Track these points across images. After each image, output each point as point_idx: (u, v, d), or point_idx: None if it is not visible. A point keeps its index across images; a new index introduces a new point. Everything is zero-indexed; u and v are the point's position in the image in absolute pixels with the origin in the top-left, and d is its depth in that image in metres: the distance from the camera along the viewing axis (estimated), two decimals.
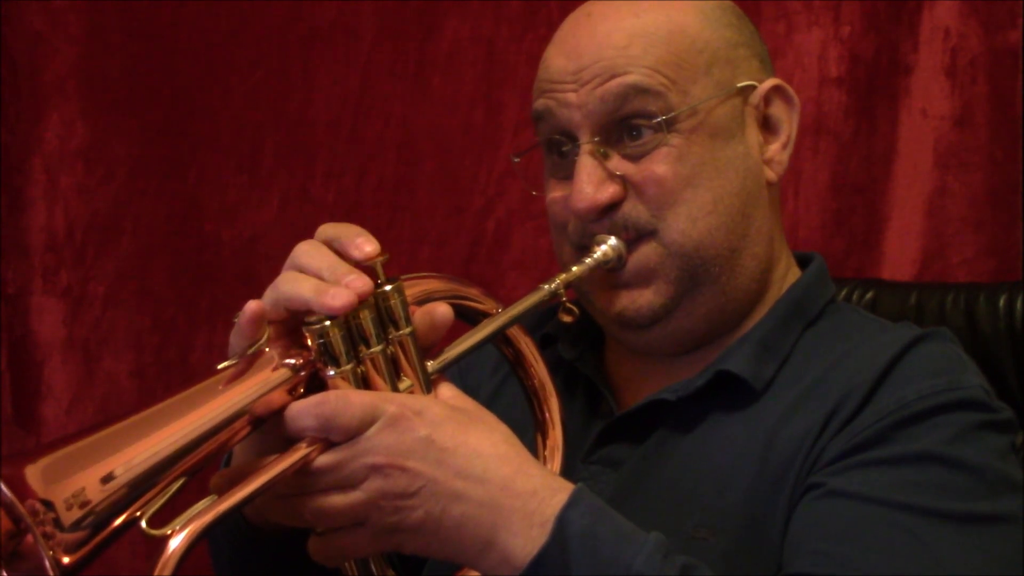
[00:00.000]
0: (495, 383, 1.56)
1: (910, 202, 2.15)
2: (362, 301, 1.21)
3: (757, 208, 1.43)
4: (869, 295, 1.77)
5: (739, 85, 1.43)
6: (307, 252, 1.24)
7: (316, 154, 2.50)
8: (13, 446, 2.55)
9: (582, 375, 1.51)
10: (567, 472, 1.37)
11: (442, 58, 2.44)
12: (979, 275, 2.10)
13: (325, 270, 1.22)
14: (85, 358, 2.57)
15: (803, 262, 1.52)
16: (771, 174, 1.45)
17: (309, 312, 1.21)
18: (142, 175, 2.55)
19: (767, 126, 1.46)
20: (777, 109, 1.46)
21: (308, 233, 2.58)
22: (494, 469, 1.20)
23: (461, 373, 1.56)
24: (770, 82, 1.45)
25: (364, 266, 1.24)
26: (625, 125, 1.40)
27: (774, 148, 1.46)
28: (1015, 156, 2.09)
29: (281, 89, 2.51)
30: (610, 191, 1.39)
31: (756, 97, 1.44)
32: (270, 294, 1.24)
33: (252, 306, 1.21)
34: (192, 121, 2.53)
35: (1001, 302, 1.67)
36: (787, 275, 1.48)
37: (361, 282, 1.21)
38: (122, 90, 2.54)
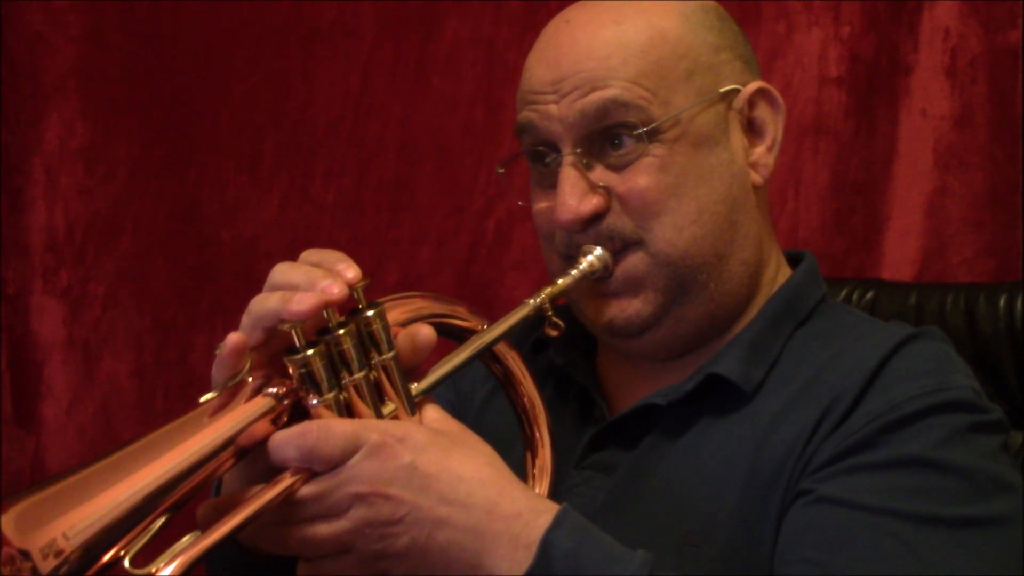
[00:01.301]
0: (487, 389, 1.55)
1: (910, 202, 2.15)
2: (335, 305, 1.20)
3: (743, 213, 1.42)
4: (869, 295, 1.77)
5: (722, 90, 1.41)
6: (283, 270, 1.24)
7: (316, 154, 2.50)
8: (13, 446, 2.55)
9: (574, 380, 1.50)
10: (559, 478, 1.37)
11: (442, 58, 2.44)
12: (979, 275, 2.10)
13: (301, 281, 1.22)
14: (85, 358, 2.57)
15: (795, 261, 1.51)
16: (756, 177, 1.44)
17: (291, 344, 1.20)
18: (142, 175, 2.56)
19: (752, 129, 1.45)
20: (762, 112, 1.44)
21: (308, 233, 2.60)
22: (478, 493, 1.20)
23: (454, 380, 1.56)
24: (753, 85, 1.44)
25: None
26: (607, 135, 1.39)
27: (759, 151, 1.44)
28: (1015, 156, 2.09)
29: (281, 89, 2.51)
30: (593, 203, 1.38)
31: (740, 101, 1.43)
32: (245, 319, 1.23)
33: (233, 338, 1.21)
34: (192, 121, 2.54)
35: (1001, 302, 1.67)
36: (777, 276, 1.48)
37: (336, 287, 1.20)
38: (122, 90, 2.55)
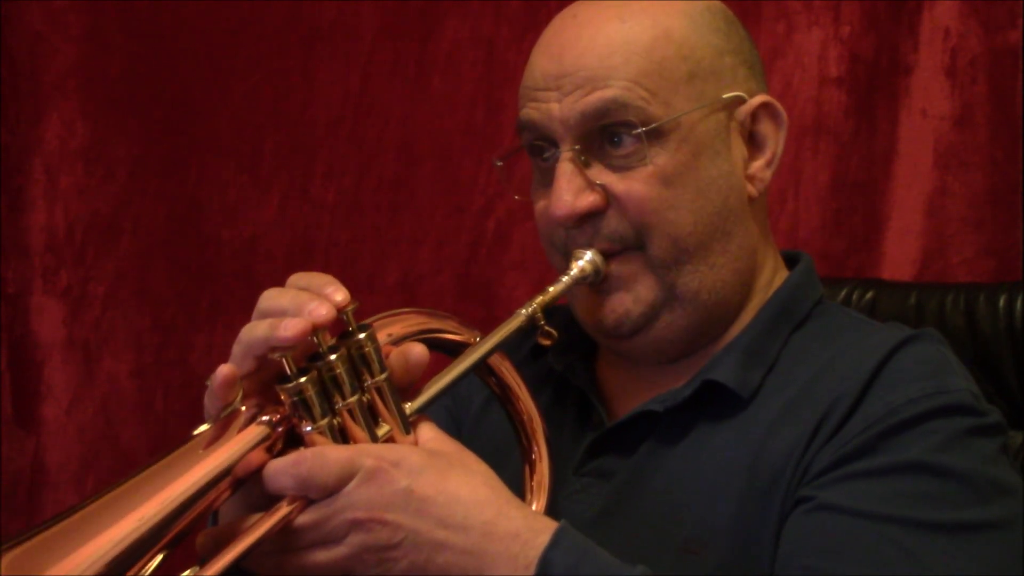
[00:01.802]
0: (485, 395, 1.54)
1: (910, 202, 2.15)
2: (324, 327, 1.20)
3: (738, 224, 1.42)
4: (869, 295, 1.77)
5: (724, 97, 1.40)
6: (271, 296, 1.24)
7: (316, 154, 2.50)
8: (13, 446, 2.55)
9: (573, 385, 1.50)
10: (559, 484, 1.37)
11: (442, 58, 2.44)
12: (979, 275, 2.10)
13: (288, 306, 1.22)
14: (85, 358, 2.57)
15: (792, 261, 1.50)
16: (752, 190, 1.43)
17: (282, 371, 1.20)
18: (142, 175, 2.56)
19: (752, 142, 1.44)
20: (764, 126, 1.43)
21: (308, 233, 2.59)
22: (475, 515, 1.20)
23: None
24: (758, 99, 1.43)
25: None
26: (606, 133, 1.38)
27: (758, 165, 1.44)
28: (1015, 156, 2.09)
29: (281, 89, 2.51)
30: (589, 200, 1.38)
31: (743, 113, 1.42)
32: (236, 348, 1.23)
33: (223, 370, 1.21)
34: (192, 121, 2.54)
35: (1001, 302, 1.67)
36: (774, 279, 1.47)
37: (323, 309, 1.20)
38: (122, 90, 2.55)
